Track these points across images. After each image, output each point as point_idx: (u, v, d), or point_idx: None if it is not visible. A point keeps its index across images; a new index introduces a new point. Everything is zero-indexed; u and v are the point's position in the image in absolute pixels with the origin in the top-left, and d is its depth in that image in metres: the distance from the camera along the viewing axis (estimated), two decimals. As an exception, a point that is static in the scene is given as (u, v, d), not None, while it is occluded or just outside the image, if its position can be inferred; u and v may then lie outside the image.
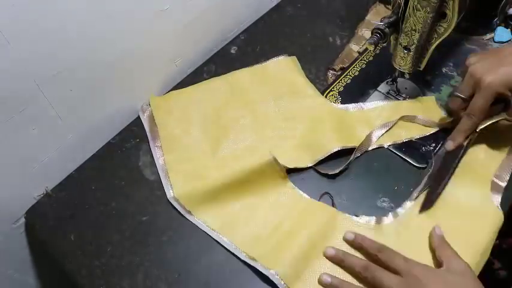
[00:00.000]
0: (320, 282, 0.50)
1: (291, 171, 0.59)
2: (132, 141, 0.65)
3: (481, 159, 0.58)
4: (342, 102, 0.67)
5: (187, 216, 0.56)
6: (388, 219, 0.54)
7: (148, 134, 0.65)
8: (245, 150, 0.61)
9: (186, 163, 0.61)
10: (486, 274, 0.49)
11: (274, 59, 0.72)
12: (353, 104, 0.66)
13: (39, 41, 0.50)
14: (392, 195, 0.57)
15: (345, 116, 0.65)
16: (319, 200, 0.57)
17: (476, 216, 0.54)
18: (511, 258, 0.76)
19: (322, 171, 0.59)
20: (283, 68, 0.71)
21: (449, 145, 0.56)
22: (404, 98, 0.66)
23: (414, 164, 0.60)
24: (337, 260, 0.51)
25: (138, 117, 0.68)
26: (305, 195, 0.57)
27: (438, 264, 0.49)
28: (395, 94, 0.67)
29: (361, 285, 0.49)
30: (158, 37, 0.65)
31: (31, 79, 0.51)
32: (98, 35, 0.56)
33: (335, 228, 0.54)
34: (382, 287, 0.47)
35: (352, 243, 0.52)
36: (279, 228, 0.54)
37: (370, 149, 0.61)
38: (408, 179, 0.58)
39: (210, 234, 0.55)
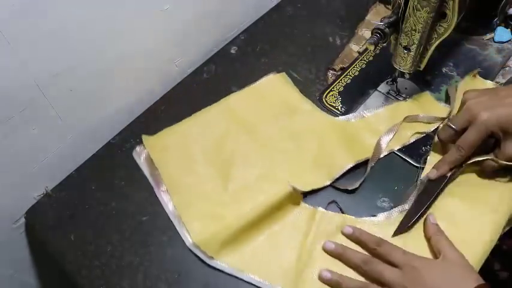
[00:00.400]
0: (320, 278, 0.50)
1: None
2: (132, 141, 0.65)
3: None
4: (342, 102, 0.67)
5: (210, 261, 0.53)
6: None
7: (149, 179, 0.61)
8: (257, 180, 0.59)
9: (198, 203, 0.57)
10: (486, 275, 0.49)
11: (264, 78, 0.70)
12: (353, 113, 0.65)
13: (39, 41, 0.50)
14: (392, 195, 0.57)
15: (348, 127, 0.63)
16: (326, 209, 0.56)
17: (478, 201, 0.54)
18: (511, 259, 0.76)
19: (341, 187, 0.58)
20: (276, 87, 0.69)
21: (433, 173, 0.56)
22: (405, 98, 0.66)
23: (414, 164, 0.60)
24: (336, 254, 0.51)
25: (138, 117, 0.68)
26: (320, 208, 0.56)
27: (434, 253, 0.50)
28: (395, 94, 0.67)
29: (361, 278, 0.49)
30: (158, 37, 0.65)
31: (31, 79, 0.51)
32: (98, 35, 0.56)
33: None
34: (382, 280, 0.47)
35: (350, 237, 0.53)
36: (302, 251, 0.53)
37: (381, 156, 0.61)
38: (408, 179, 0.58)
39: (237, 275, 0.52)
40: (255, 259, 0.53)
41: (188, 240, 0.55)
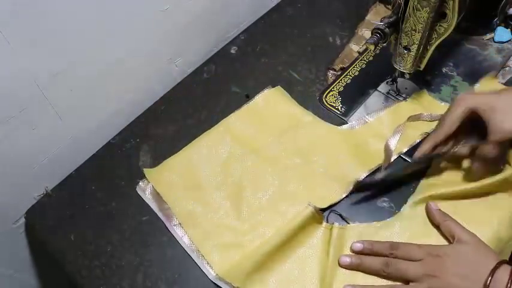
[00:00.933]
0: None
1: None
2: (132, 141, 0.65)
3: None
4: (342, 102, 0.67)
5: None
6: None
7: (159, 214, 0.58)
8: (271, 201, 0.57)
9: (214, 234, 0.55)
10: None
11: (260, 95, 0.68)
12: (355, 119, 0.64)
13: (39, 41, 0.50)
14: (393, 195, 0.57)
15: (353, 136, 0.63)
16: (326, 220, 0.55)
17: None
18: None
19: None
20: (273, 102, 0.67)
21: (416, 155, 0.56)
22: (405, 98, 0.66)
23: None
24: (355, 265, 0.51)
25: (138, 117, 0.68)
26: (336, 224, 0.55)
27: (447, 238, 0.51)
28: (395, 94, 0.67)
29: (385, 281, 0.50)
30: (158, 37, 0.65)
31: (31, 79, 0.51)
32: (98, 35, 0.56)
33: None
34: (408, 276, 0.48)
35: (362, 252, 0.52)
36: (326, 271, 0.51)
37: (392, 160, 0.59)
38: (408, 179, 0.58)
39: None
40: (282, 287, 0.51)
41: (211, 273, 0.52)
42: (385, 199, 0.57)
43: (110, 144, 0.66)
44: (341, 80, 0.70)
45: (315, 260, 0.53)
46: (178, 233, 0.56)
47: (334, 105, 0.67)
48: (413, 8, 0.54)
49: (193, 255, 0.54)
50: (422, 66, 0.61)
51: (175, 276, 0.53)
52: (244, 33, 0.79)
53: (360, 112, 0.66)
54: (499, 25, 0.72)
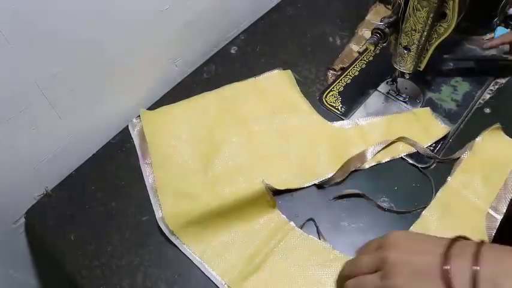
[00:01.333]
0: None
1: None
2: (132, 141, 0.65)
3: (476, 189, 0.56)
4: (342, 102, 0.67)
5: (170, 236, 0.54)
6: None
7: (138, 150, 0.63)
8: (237, 170, 0.60)
9: (176, 182, 0.59)
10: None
11: (268, 73, 0.70)
12: (347, 120, 0.65)
13: (39, 41, 0.49)
14: (392, 195, 0.57)
15: (341, 135, 0.63)
16: (301, 227, 0.55)
17: None
18: None
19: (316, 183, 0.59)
20: (277, 83, 0.69)
21: (487, 44, 0.59)
22: (404, 98, 0.66)
23: (414, 163, 0.60)
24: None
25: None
26: (292, 224, 0.55)
27: None
28: (395, 94, 0.67)
29: None
30: (158, 37, 0.65)
31: (31, 79, 0.51)
32: (98, 35, 0.56)
33: (324, 265, 0.52)
34: None
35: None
36: (257, 256, 0.53)
37: (367, 166, 0.60)
38: (408, 179, 0.58)
39: (191, 259, 0.53)
40: (214, 252, 0.53)
41: (159, 213, 0.56)
42: (385, 199, 0.57)
43: (110, 144, 0.66)
44: (341, 80, 0.70)
45: (255, 239, 0.54)
46: (147, 171, 0.61)
47: (334, 105, 0.67)
48: (413, 8, 0.54)
49: (151, 194, 0.59)
50: (422, 66, 0.61)
51: (175, 276, 0.53)
52: (244, 33, 0.79)
53: (360, 112, 0.66)
54: (499, 25, 0.72)
